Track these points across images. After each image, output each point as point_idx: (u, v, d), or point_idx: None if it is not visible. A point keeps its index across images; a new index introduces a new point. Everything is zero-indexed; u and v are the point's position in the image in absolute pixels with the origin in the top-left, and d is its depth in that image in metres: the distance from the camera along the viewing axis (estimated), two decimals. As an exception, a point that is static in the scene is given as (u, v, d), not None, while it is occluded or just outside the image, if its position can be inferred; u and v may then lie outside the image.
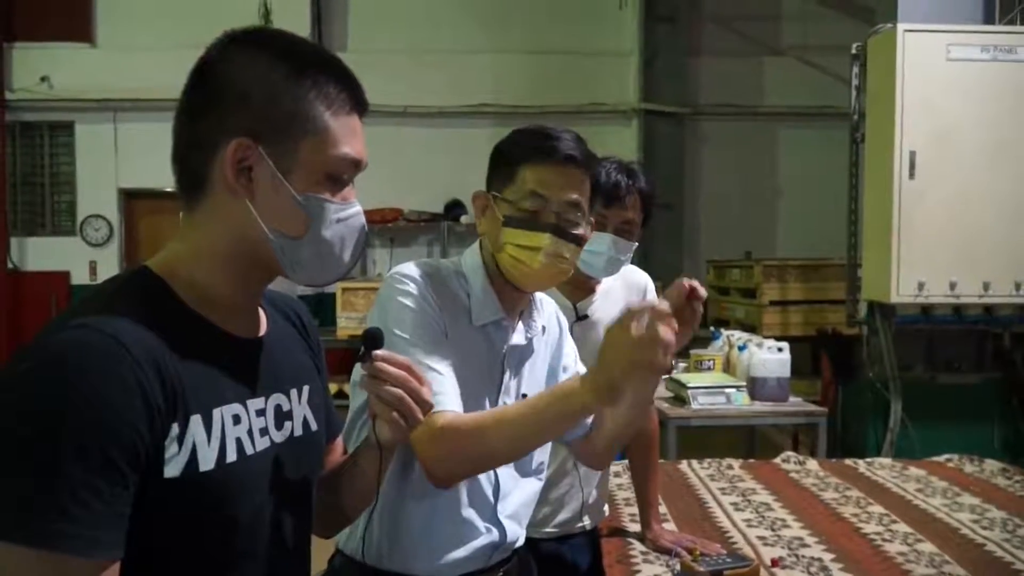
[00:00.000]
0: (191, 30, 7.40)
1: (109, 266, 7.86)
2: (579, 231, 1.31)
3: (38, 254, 8.11)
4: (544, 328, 1.45)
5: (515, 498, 1.38)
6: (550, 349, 1.47)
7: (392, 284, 1.31)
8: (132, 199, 8.17)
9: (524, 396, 1.39)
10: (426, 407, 0.99)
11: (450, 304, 1.31)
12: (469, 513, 1.33)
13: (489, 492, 1.35)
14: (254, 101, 0.85)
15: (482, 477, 1.33)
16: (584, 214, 1.32)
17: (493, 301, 1.34)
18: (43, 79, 7.90)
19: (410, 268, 1.32)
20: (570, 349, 1.53)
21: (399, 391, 0.95)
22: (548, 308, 1.50)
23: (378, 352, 0.97)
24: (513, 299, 1.36)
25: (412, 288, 1.29)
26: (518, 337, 1.38)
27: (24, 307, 7.89)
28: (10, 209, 8.03)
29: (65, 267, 8.04)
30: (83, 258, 8.03)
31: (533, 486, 1.43)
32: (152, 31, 7.83)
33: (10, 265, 7.99)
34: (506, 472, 1.36)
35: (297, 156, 0.87)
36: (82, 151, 8.10)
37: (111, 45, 7.98)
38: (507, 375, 1.37)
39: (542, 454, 1.44)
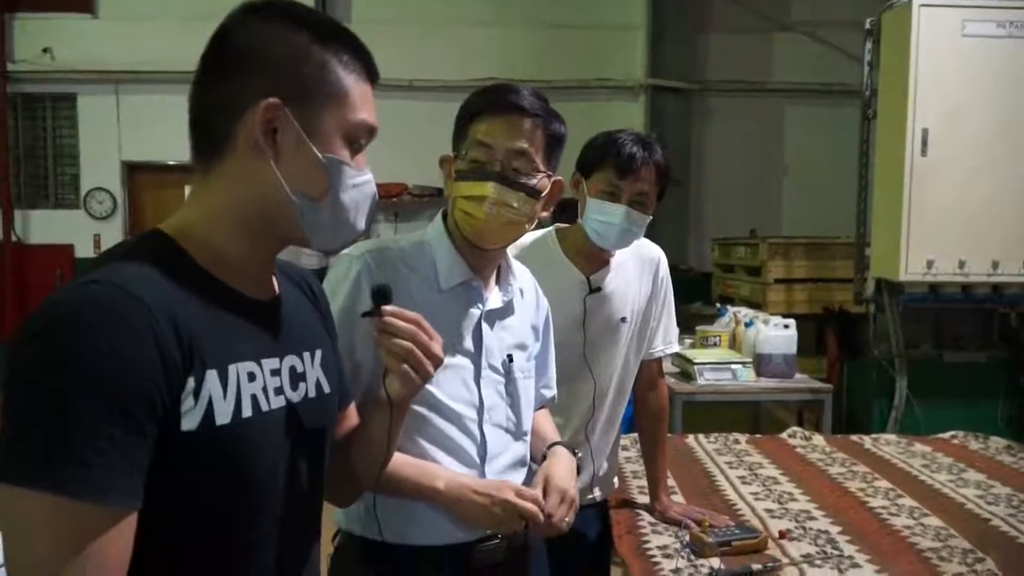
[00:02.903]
0: (193, 1, 7.37)
1: (113, 239, 7.83)
2: (530, 181, 1.29)
3: (41, 227, 8.09)
4: (522, 291, 1.44)
5: (504, 459, 1.37)
6: (530, 310, 1.46)
7: (334, 266, 1.32)
8: (135, 172, 8.14)
9: (509, 357, 1.37)
10: (436, 360, 1.01)
11: (407, 276, 1.30)
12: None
13: (475, 453, 1.33)
14: (281, 65, 0.87)
15: (464, 439, 1.32)
16: (535, 164, 1.29)
17: (460, 263, 1.33)
18: (45, 50, 7.84)
19: (354, 249, 1.30)
20: (543, 313, 1.51)
21: (409, 344, 0.99)
22: (525, 274, 1.49)
23: (387, 307, 1.00)
24: (481, 260, 1.35)
25: (342, 271, 1.29)
26: (495, 300, 1.37)
27: (29, 280, 7.89)
28: (13, 182, 8.00)
29: (69, 240, 8.02)
30: (87, 231, 8.01)
31: (520, 449, 1.41)
32: (153, 2, 7.76)
33: (13, 238, 7.98)
34: (495, 433, 1.35)
35: (320, 119, 0.88)
36: (85, 123, 8.05)
37: (112, 16, 7.90)
38: (486, 335, 1.35)
39: (528, 419, 1.43)
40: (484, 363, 1.35)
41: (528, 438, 1.43)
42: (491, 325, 1.37)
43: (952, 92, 3.76)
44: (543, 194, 1.32)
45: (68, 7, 7.92)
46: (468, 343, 1.34)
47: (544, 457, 1.42)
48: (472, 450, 1.33)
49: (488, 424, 1.34)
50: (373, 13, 7.87)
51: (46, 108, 8.10)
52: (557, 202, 1.39)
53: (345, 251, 1.31)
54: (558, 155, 1.35)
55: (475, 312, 1.35)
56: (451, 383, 1.31)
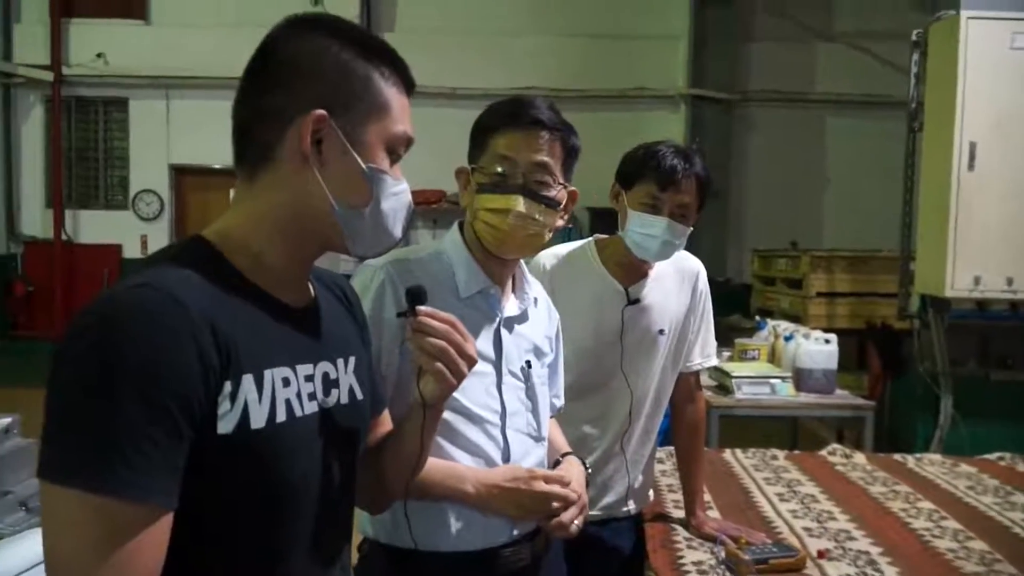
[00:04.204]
0: (242, 9, 7.54)
1: (160, 240, 8.04)
2: (550, 193, 1.31)
3: (91, 227, 8.33)
4: (536, 300, 1.46)
5: (526, 464, 1.37)
6: (543, 318, 1.48)
7: (356, 275, 1.34)
8: (182, 175, 8.34)
9: (528, 363, 1.39)
10: (470, 361, 1.03)
11: (427, 285, 1.27)
12: None
13: (499, 458, 1.34)
14: (327, 77, 0.90)
15: (489, 444, 1.33)
16: (555, 177, 1.31)
17: (478, 272, 1.35)
18: (99, 55, 8.08)
19: (375, 260, 1.31)
20: (555, 324, 1.53)
21: (442, 343, 1.01)
22: (538, 284, 1.51)
23: (422, 308, 1.02)
24: (498, 269, 1.37)
25: (366, 281, 1.31)
26: (512, 307, 1.39)
27: (77, 278, 8.12)
28: (65, 182, 8.24)
29: (117, 240, 8.24)
30: (135, 232, 8.23)
31: (540, 453, 1.43)
32: (204, 9, 7.96)
33: (64, 237, 8.21)
34: (517, 438, 1.37)
35: (363, 130, 0.91)
36: (135, 127, 8.28)
37: (164, 23, 8.14)
38: (505, 341, 1.37)
39: (545, 425, 1.44)
40: (505, 369, 1.36)
41: (546, 443, 1.45)
42: (509, 331, 1.39)
43: (1000, 105, 3.69)
44: (562, 205, 1.34)
45: (122, 14, 8.17)
46: (489, 350, 1.35)
47: (556, 463, 1.44)
48: (496, 455, 1.34)
49: (511, 429, 1.36)
50: (417, 22, 7.98)
51: (99, 111, 8.35)
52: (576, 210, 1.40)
53: (367, 261, 1.33)
54: (573, 167, 1.38)
55: (494, 319, 1.37)
56: (475, 389, 1.32)
